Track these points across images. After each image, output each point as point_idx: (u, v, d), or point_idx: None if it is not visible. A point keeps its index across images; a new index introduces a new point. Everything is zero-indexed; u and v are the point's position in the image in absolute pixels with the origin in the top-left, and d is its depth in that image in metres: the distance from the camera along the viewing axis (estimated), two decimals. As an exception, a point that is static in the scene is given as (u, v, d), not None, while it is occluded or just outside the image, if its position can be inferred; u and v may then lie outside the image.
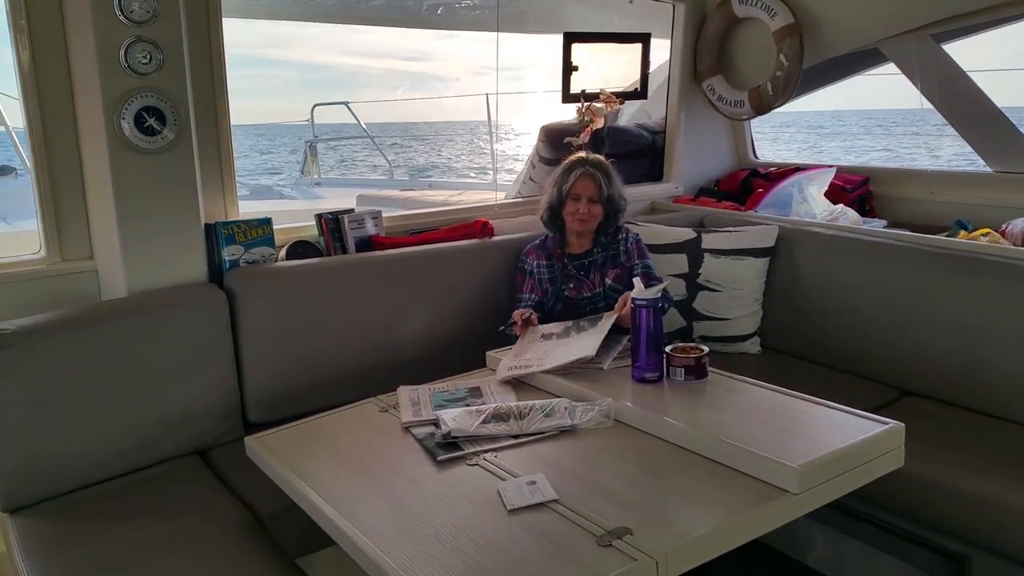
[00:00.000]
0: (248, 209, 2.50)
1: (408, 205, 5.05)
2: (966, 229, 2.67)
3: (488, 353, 2.10)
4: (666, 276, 2.55)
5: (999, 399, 2.18)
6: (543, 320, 2.25)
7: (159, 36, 2.00)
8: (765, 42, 3.04)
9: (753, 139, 3.68)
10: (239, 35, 2.29)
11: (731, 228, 2.82)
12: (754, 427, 1.60)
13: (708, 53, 3.27)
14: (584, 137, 2.92)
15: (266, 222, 2.32)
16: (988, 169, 3.03)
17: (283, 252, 2.40)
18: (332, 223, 2.47)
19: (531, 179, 3.36)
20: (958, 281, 2.29)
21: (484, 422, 1.66)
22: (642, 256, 2.44)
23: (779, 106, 3.09)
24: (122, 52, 1.95)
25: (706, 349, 1.85)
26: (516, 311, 2.23)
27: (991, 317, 2.20)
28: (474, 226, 2.69)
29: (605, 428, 1.67)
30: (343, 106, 7.87)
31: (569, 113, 3.07)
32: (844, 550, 2.15)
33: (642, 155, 3.43)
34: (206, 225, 2.23)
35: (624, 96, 3.15)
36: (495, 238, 2.70)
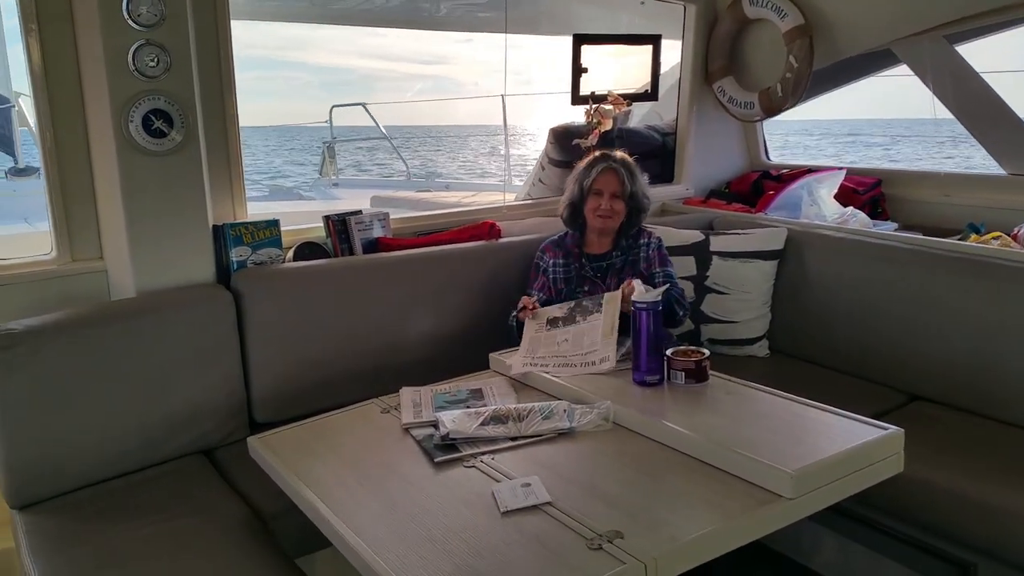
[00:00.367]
0: (267, 210, 2.52)
1: (422, 206, 5.08)
2: (978, 232, 2.63)
3: (491, 355, 2.11)
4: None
5: (1009, 404, 2.15)
6: None
7: (167, 39, 2.02)
8: (775, 43, 3.02)
9: (766, 141, 3.66)
10: (258, 37, 2.31)
11: (740, 231, 2.81)
12: (752, 431, 1.60)
13: (719, 54, 3.25)
14: (592, 139, 2.92)
15: (273, 223, 2.34)
16: (1003, 172, 2.99)
17: (290, 253, 2.43)
18: (339, 225, 2.48)
19: (540, 181, 3.36)
20: (968, 284, 2.26)
21: (483, 424, 1.66)
22: (663, 263, 2.36)
23: (789, 108, 3.06)
24: (130, 55, 1.98)
25: (707, 352, 1.84)
26: (525, 297, 2.23)
27: (1001, 321, 2.17)
28: (482, 228, 2.70)
29: (604, 431, 1.67)
30: (361, 111, 7.93)
31: (579, 115, 3.07)
32: (849, 555, 2.13)
33: (652, 157, 3.42)
34: (214, 226, 2.25)
35: (633, 98, 3.14)
36: (502, 240, 2.70)
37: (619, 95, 3.01)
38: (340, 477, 1.55)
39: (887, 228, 2.93)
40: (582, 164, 2.41)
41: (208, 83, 2.23)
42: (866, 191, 3.23)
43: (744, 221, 2.98)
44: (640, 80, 3.21)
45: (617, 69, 3.12)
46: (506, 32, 3.13)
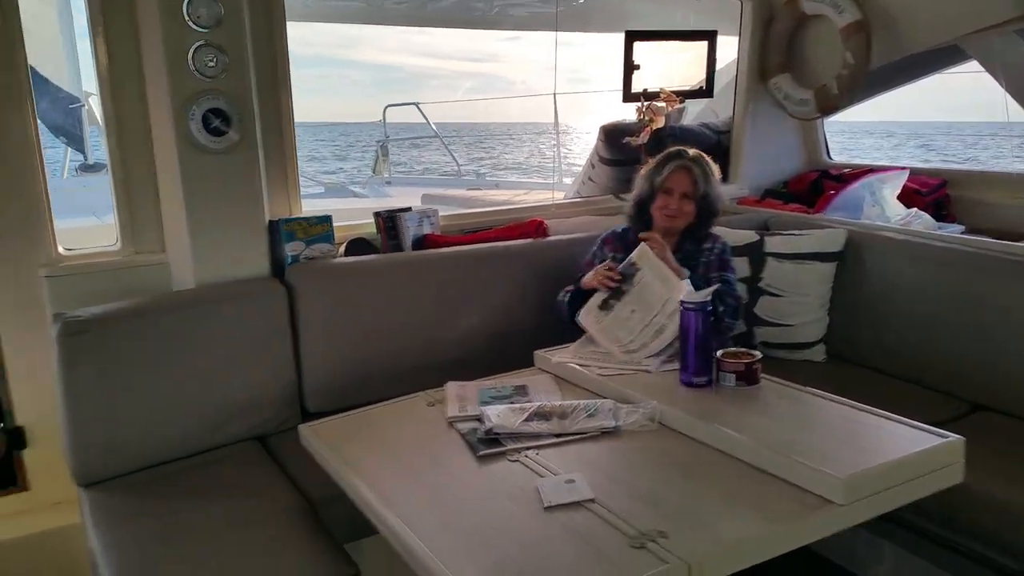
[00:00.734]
0: (322, 207, 2.57)
1: (471, 204, 5.10)
2: (1051, 236, 2.52)
3: (536, 352, 2.11)
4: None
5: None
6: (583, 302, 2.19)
7: (224, 40, 2.08)
8: (832, 39, 2.94)
9: (827, 139, 3.57)
10: (309, 35, 2.35)
11: (796, 231, 2.74)
12: (804, 435, 1.56)
13: (776, 51, 3.18)
14: (644, 137, 2.89)
15: (326, 219, 2.39)
16: (1078, 173, 2.85)
17: (342, 249, 2.47)
18: (389, 221, 2.52)
19: (590, 179, 3.34)
20: (1037, 290, 2.17)
21: (527, 420, 1.67)
22: (723, 268, 2.25)
23: (846, 106, 2.99)
24: (190, 55, 2.04)
25: (758, 355, 1.81)
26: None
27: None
28: (529, 226, 2.70)
29: (649, 431, 1.65)
30: (410, 107, 8.00)
31: (630, 113, 3.05)
32: (905, 567, 2.06)
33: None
34: (269, 222, 2.31)
35: (687, 95, 3.10)
36: (549, 238, 2.70)
37: (672, 92, 2.97)
38: (387, 466, 1.58)
39: (953, 231, 2.83)
40: (655, 160, 2.31)
41: (264, 82, 2.28)
42: (930, 192, 3.12)
43: (801, 222, 2.91)
44: (694, 77, 3.17)
45: (670, 66, 3.09)
46: (556, 30, 3.12)
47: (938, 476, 1.47)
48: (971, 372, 2.29)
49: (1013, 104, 2.85)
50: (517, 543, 1.27)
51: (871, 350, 2.57)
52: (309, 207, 2.53)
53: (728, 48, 3.27)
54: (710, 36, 3.15)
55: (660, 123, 2.93)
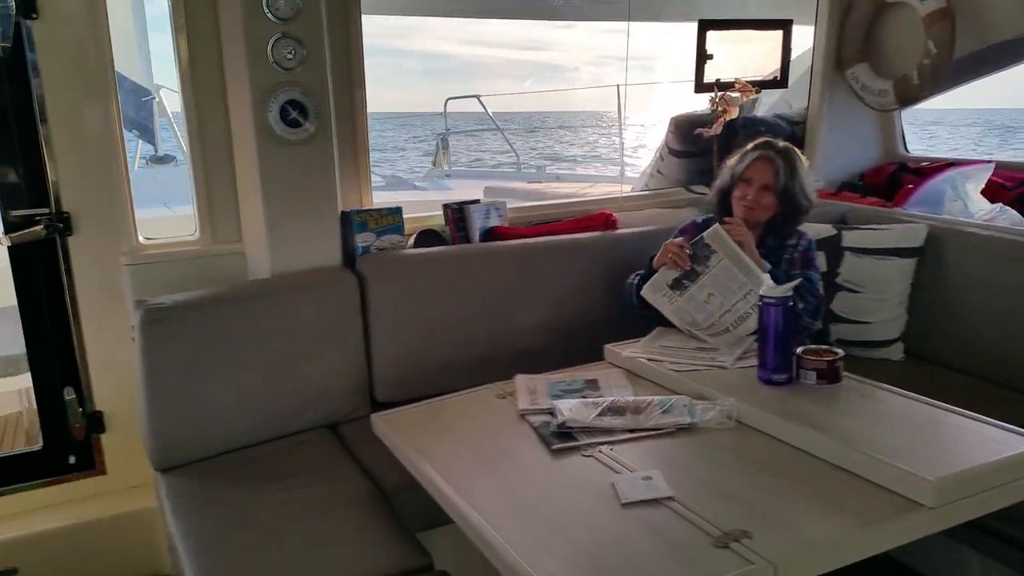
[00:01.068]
0: (382, 199, 2.59)
1: (534, 197, 5.08)
2: None
3: (607, 346, 2.08)
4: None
5: None
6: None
7: (302, 32, 2.11)
8: (914, 28, 2.82)
9: (904, 131, 3.43)
10: (369, 26, 2.38)
11: (875, 225, 2.65)
12: (889, 436, 1.51)
13: (853, 40, 3.08)
14: (716, 128, 2.83)
15: (396, 211, 2.41)
16: None
17: (411, 240, 2.49)
18: (457, 213, 2.52)
19: (659, 172, 3.29)
20: None
21: (600, 414, 1.65)
22: (806, 265, 2.19)
23: (927, 97, 2.87)
24: (269, 48, 2.08)
25: (841, 353, 1.75)
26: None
27: None
28: (597, 218, 2.67)
29: (726, 428, 1.62)
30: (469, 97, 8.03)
31: (702, 104, 2.99)
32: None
33: (779, 147, 3.28)
34: (341, 212, 2.34)
35: (762, 85, 3.02)
36: (617, 231, 2.67)
37: (747, 82, 2.90)
38: (459, 457, 1.58)
39: (1041, 226, 2.70)
40: (741, 149, 2.25)
41: (339, 75, 2.30)
42: (1015, 187, 2.98)
43: (881, 216, 2.81)
44: (769, 67, 3.09)
45: (743, 55, 3.01)
46: (629, 20, 3.08)
47: (1034, 481, 1.41)
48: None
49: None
50: (594, 539, 1.26)
51: (951, 349, 2.48)
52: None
53: (802, 37, 3.17)
54: (785, 25, 3.06)
55: (733, 114, 2.86)
